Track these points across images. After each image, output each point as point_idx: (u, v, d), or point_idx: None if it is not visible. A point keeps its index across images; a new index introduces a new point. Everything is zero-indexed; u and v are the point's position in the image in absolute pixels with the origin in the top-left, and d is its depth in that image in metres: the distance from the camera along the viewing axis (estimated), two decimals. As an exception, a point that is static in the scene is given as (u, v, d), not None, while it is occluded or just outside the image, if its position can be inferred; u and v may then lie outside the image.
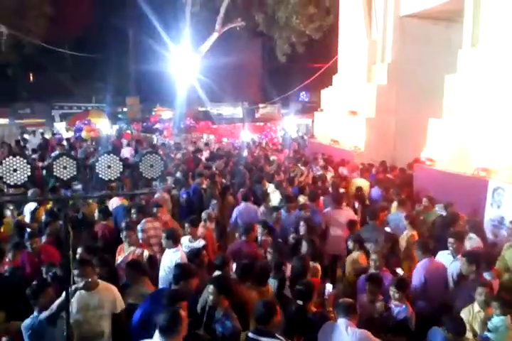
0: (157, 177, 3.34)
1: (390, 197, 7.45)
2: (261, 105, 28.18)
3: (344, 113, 12.49)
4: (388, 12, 11.72)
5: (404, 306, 4.12)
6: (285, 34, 20.35)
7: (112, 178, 3.19)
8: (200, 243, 5.50)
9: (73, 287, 3.50)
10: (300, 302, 3.88)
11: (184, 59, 20.51)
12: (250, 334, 3.32)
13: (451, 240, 4.98)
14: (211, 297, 3.70)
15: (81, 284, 3.82)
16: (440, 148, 8.41)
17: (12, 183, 3.05)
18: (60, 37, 23.83)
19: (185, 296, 3.65)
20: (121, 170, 3.20)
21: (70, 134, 19.73)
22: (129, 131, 21.31)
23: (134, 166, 3.36)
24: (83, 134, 17.93)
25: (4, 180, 3.03)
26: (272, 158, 12.04)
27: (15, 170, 3.04)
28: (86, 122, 19.21)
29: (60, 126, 22.68)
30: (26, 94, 30.07)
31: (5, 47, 20.00)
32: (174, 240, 5.03)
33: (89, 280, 3.89)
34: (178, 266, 4.22)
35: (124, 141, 16.39)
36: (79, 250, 4.85)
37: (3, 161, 3.03)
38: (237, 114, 28.55)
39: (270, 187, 8.33)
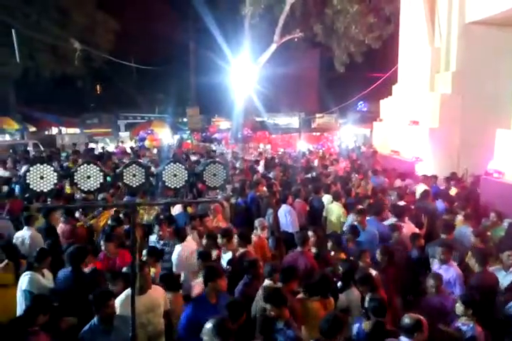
0: (220, 186, 3.44)
1: (454, 211, 7.14)
2: (318, 115, 28.04)
3: (405, 123, 12.16)
4: (453, 19, 11.33)
5: (471, 324, 3.91)
6: (344, 44, 20.21)
7: (178, 186, 3.32)
8: (227, 255, 5.53)
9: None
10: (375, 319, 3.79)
11: (243, 70, 20.90)
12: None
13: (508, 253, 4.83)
14: (270, 311, 3.72)
15: (138, 286, 4.00)
16: (509, 159, 7.98)
17: (86, 189, 3.26)
18: (125, 51, 25.15)
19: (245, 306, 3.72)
20: (186, 178, 3.32)
21: (134, 143, 20.68)
22: (189, 141, 21.98)
23: (198, 175, 3.47)
24: (146, 143, 18.71)
25: (79, 186, 3.24)
26: (329, 168, 11.94)
27: (88, 177, 3.24)
28: (149, 132, 20.04)
29: (125, 136, 23.81)
30: (94, 105, 31.87)
31: (77, 62, 21.38)
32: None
33: (147, 282, 4.10)
34: (206, 268, 4.33)
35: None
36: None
37: (78, 169, 3.24)
38: (293, 124, 28.57)
39: (327, 198, 8.26)
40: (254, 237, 6.40)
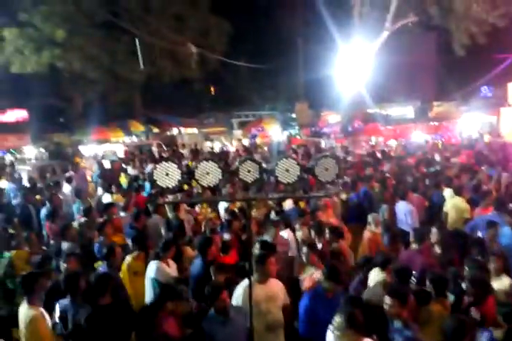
0: (332, 181, 3.41)
1: None
2: (435, 103, 26.21)
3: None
4: None
5: None
6: (463, 25, 18.59)
7: (290, 181, 3.37)
8: None
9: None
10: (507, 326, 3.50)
11: (353, 61, 20.36)
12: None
13: None
14: (390, 308, 3.60)
15: (256, 277, 4.15)
16: None
17: (205, 185, 3.47)
18: (237, 51, 26.09)
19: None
20: (298, 173, 3.35)
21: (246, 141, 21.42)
22: (298, 137, 22.11)
23: (309, 170, 3.49)
24: (258, 140, 19.25)
25: (199, 181, 3.47)
26: (452, 160, 11.12)
27: (208, 174, 3.45)
28: (260, 129, 20.60)
29: (238, 134, 24.79)
30: (210, 105, 33.60)
31: (193, 65, 22.77)
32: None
33: (265, 273, 4.22)
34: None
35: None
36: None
37: (199, 166, 3.47)
38: (408, 114, 27.11)
39: (448, 192, 7.71)
40: (367, 233, 6.25)
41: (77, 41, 20.29)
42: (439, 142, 16.31)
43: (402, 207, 7.17)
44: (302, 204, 7.59)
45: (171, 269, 5.40)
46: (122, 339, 3.91)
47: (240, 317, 3.95)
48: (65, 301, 4.47)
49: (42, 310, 4.21)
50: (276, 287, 4.39)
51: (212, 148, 18.45)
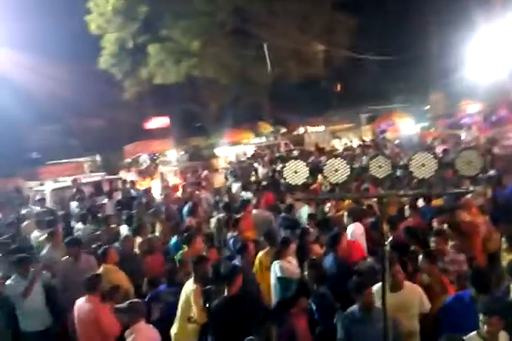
0: (475, 176, 3.09)
1: None
2: None
3: None
4: None
5: None
6: None
7: (426, 177, 3.13)
8: None
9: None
10: None
11: (494, 46, 18.30)
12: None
13: None
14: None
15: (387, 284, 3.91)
16: None
17: (334, 182, 3.41)
18: (363, 45, 25.30)
19: None
20: (436, 168, 3.10)
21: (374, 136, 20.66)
22: (431, 130, 20.61)
23: (449, 164, 3.21)
24: (388, 135, 18.44)
25: (328, 179, 3.42)
26: None
27: (336, 170, 3.38)
28: (390, 123, 19.70)
29: (367, 129, 24.03)
30: (336, 102, 33.17)
31: (319, 63, 22.71)
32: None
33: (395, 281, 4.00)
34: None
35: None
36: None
37: (327, 163, 3.42)
38: None
39: None
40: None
41: (211, 50, 21.66)
42: None
43: None
44: (438, 201, 7.01)
45: (293, 266, 5.45)
46: (244, 330, 4.04)
47: (381, 320, 3.79)
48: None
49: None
50: (410, 295, 4.12)
51: (340, 145, 18.18)
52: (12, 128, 22.37)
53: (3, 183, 15.77)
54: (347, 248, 5.56)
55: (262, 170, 13.81)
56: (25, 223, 9.06)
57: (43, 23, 18.59)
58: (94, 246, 6.65)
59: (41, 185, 13.60)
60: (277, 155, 16.79)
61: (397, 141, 16.94)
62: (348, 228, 6.30)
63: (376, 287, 4.14)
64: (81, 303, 4.95)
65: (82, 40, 21.08)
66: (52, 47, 20.36)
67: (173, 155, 22.64)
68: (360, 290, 3.89)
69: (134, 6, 20.89)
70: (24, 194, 13.46)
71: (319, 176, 7.17)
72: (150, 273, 6.02)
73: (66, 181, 12.98)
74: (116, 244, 6.69)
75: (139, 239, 6.93)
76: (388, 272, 3.92)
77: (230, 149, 22.32)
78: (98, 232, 7.66)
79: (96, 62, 22.08)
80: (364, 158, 11.48)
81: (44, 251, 6.79)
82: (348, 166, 3.34)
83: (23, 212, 10.48)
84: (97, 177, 14.31)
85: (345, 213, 6.76)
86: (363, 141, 18.54)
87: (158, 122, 28.40)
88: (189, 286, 4.87)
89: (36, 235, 8.01)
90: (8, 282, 5.60)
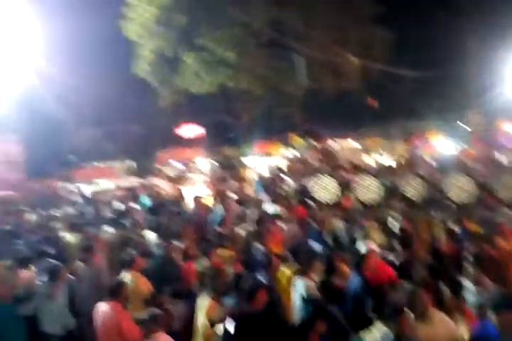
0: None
1: None
2: None
3: None
4: None
5: None
6: None
7: (463, 200, 3.02)
8: None
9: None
10: None
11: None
12: None
13: None
14: None
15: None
16: None
17: (365, 201, 3.33)
18: (400, 60, 24.96)
19: None
20: (473, 191, 2.99)
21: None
22: (469, 149, 20.03)
23: (487, 188, 3.08)
24: (422, 153, 18.02)
25: (359, 197, 3.34)
26: None
27: (368, 189, 3.30)
28: (425, 141, 19.28)
29: (400, 146, 23.59)
30: (370, 117, 32.75)
31: (354, 77, 22.53)
32: None
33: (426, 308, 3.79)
34: None
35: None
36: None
37: (359, 181, 3.34)
38: None
39: None
40: None
41: (246, 62, 21.81)
42: None
43: None
44: (475, 226, 6.70)
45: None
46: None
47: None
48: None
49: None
50: (442, 328, 3.74)
51: (371, 162, 17.85)
52: (52, 131, 23.20)
53: (40, 184, 16.23)
54: (374, 269, 5.39)
55: (291, 183, 13.66)
56: (57, 224, 9.23)
57: (85, 29, 19.22)
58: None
59: (77, 186, 13.92)
60: (308, 168, 16.59)
61: (432, 161, 16.49)
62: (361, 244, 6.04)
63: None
64: (103, 309, 4.98)
65: (123, 48, 21.70)
66: (94, 54, 21.11)
67: (203, 164, 22.79)
68: (395, 317, 3.70)
69: (172, 15, 21.32)
70: (58, 195, 13.77)
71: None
72: (186, 281, 6.05)
73: (100, 184, 13.36)
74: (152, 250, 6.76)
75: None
76: (419, 299, 3.73)
77: (260, 160, 22.31)
78: (126, 237, 7.72)
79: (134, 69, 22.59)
80: (397, 176, 11.17)
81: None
82: (381, 185, 3.26)
83: (56, 213, 10.71)
84: (132, 181, 14.58)
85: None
86: (397, 158, 18.14)
87: (191, 131, 28.81)
88: (203, 300, 4.80)
89: (67, 237, 8.15)
90: (36, 283, 5.72)
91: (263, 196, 11.30)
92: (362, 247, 6.06)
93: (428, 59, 26.54)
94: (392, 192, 3.32)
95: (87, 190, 12.70)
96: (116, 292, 4.95)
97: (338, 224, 7.51)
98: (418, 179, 3.00)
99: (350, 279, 5.21)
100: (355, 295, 4.86)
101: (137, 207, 10.93)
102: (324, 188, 3.18)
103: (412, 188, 3.04)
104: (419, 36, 26.51)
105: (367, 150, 24.14)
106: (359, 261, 5.27)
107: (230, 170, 18.57)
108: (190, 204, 11.44)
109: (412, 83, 28.85)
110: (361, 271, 5.17)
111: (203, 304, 4.70)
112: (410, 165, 15.03)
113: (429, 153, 18.13)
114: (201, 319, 4.64)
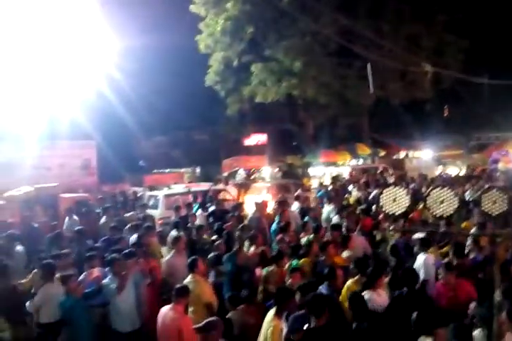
0: None
1: None
2: None
3: None
4: None
5: None
6: None
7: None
8: None
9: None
10: None
11: None
12: None
13: None
14: None
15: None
16: None
17: (439, 214, 3.11)
18: (476, 68, 23.68)
19: None
20: None
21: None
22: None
23: None
24: (500, 165, 16.89)
25: (431, 210, 3.13)
26: None
27: (442, 202, 3.08)
28: (503, 153, 18.08)
29: (477, 158, 22.34)
30: (443, 127, 31.34)
31: (425, 85, 21.65)
32: None
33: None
34: None
35: None
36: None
37: (431, 193, 3.14)
38: None
39: None
40: None
41: (312, 70, 21.70)
42: None
43: None
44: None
45: (382, 299, 5.07)
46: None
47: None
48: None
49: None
50: None
51: (444, 173, 16.95)
52: (124, 138, 24.51)
53: (112, 188, 17.13)
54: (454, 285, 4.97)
55: (356, 194, 13.31)
56: (127, 226, 9.62)
57: (155, 42, 20.19)
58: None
59: (151, 190, 14.51)
60: (374, 179, 16.10)
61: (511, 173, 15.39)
62: (418, 257, 5.64)
63: (477, 333, 3.69)
64: (165, 310, 5.08)
65: (190, 59, 22.55)
66: (163, 65, 22.14)
67: (267, 172, 22.90)
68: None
69: (241, 26, 21.75)
70: (129, 199, 14.41)
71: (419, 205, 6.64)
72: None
73: (171, 188, 14.09)
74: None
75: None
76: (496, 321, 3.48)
77: (325, 170, 22.02)
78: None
79: (202, 79, 23.29)
80: (472, 189, 10.53)
81: (168, 257, 7.20)
82: (457, 198, 3.04)
83: (127, 215, 11.19)
84: (204, 186, 15.00)
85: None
86: (473, 170, 17.11)
87: (256, 139, 29.19)
88: (270, 319, 4.65)
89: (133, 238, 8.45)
90: (104, 281, 5.96)
91: (326, 206, 11.09)
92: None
93: (504, 67, 24.96)
94: (467, 206, 3.09)
95: (159, 194, 13.18)
96: (180, 295, 5.03)
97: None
98: (496, 192, 2.77)
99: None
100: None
101: (202, 212, 11.19)
102: (393, 200, 3.00)
103: (490, 202, 2.79)
104: (495, 44, 25.08)
105: (440, 161, 23.02)
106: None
107: (292, 178, 18.45)
108: (253, 211, 11.48)
109: (487, 91, 27.27)
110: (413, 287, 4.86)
111: (268, 324, 4.56)
112: (488, 177, 14.14)
113: (508, 164, 16.90)
114: (265, 337, 4.55)
